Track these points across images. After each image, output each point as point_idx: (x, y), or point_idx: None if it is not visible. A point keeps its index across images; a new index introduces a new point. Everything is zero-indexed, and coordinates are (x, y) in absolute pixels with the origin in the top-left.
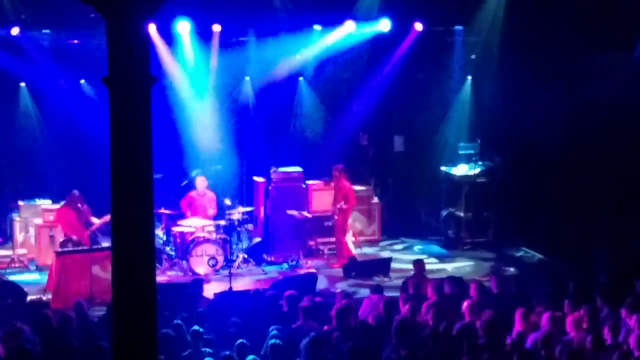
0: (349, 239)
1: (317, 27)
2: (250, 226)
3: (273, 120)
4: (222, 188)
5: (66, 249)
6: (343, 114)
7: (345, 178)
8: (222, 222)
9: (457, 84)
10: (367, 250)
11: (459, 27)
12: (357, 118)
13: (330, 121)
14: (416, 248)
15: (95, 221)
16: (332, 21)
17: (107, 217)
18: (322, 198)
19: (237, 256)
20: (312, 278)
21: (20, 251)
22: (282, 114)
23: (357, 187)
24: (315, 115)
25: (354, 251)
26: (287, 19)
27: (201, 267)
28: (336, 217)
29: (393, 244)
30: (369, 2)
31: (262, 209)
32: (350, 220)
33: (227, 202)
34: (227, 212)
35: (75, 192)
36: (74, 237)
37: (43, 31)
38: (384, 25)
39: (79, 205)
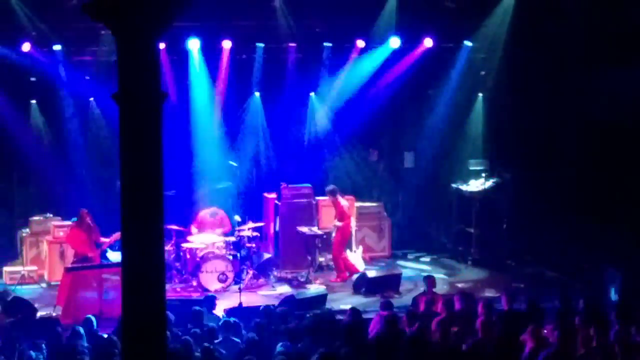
0: (358, 254)
1: (327, 44)
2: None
3: (284, 136)
4: (233, 204)
5: (76, 265)
6: (354, 130)
7: (339, 197)
8: (232, 239)
9: (467, 100)
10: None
11: (468, 44)
12: (367, 134)
13: (340, 137)
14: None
15: (104, 240)
16: (343, 39)
17: (118, 235)
18: (331, 214)
19: (247, 272)
20: (322, 294)
21: (31, 267)
22: (293, 129)
23: (367, 204)
24: (326, 131)
25: (360, 267)
26: (298, 36)
27: (211, 284)
28: (334, 234)
29: (420, 256)
30: (385, 23)
31: (272, 225)
32: (360, 236)
33: (237, 218)
34: (237, 228)
35: (84, 210)
36: (89, 255)
37: (54, 47)
38: (394, 42)
39: (89, 222)
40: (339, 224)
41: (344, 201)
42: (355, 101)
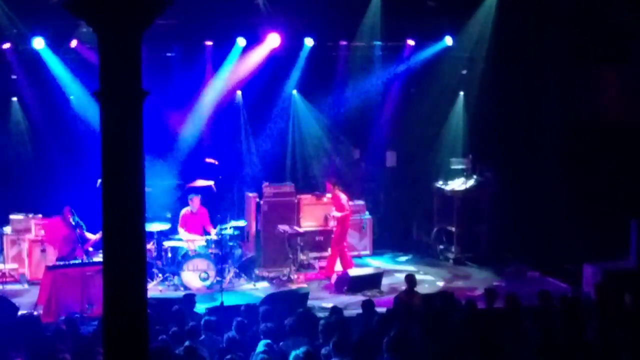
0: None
1: (309, 42)
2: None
3: (265, 133)
4: (215, 203)
5: (57, 264)
6: (335, 129)
7: (339, 190)
8: (214, 237)
9: (448, 99)
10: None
11: (450, 43)
12: (349, 133)
13: (322, 135)
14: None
15: (91, 237)
16: (326, 37)
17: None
18: (313, 212)
19: (229, 271)
20: (303, 293)
21: (11, 265)
22: (274, 127)
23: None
24: (308, 129)
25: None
26: (280, 34)
27: (192, 282)
28: (333, 225)
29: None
30: (370, 22)
31: (253, 224)
32: None
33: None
34: (219, 227)
35: (68, 207)
36: (76, 253)
37: (35, 45)
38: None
39: (71, 221)
40: (337, 214)
41: (342, 195)
42: (337, 100)
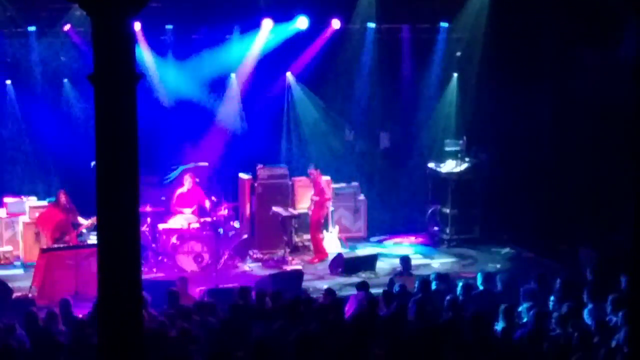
0: (334, 235)
1: (303, 23)
2: (236, 223)
3: (259, 116)
4: (209, 185)
5: (52, 246)
6: (330, 110)
7: (320, 175)
8: (208, 219)
9: (443, 81)
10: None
11: (444, 24)
12: (343, 114)
13: (317, 117)
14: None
15: (83, 222)
16: (318, 18)
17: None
18: (307, 194)
19: (223, 253)
20: (298, 275)
21: (6, 248)
22: (269, 110)
23: (343, 184)
24: (303, 111)
25: (336, 247)
26: (272, 14)
27: (187, 264)
28: (310, 212)
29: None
30: (367, 4)
31: (247, 206)
32: (336, 217)
33: (213, 199)
34: (213, 209)
35: (62, 191)
36: (66, 238)
37: (28, 28)
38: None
39: (65, 204)
40: (315, 198)
41: (324, 180)
42: (330, 81)
